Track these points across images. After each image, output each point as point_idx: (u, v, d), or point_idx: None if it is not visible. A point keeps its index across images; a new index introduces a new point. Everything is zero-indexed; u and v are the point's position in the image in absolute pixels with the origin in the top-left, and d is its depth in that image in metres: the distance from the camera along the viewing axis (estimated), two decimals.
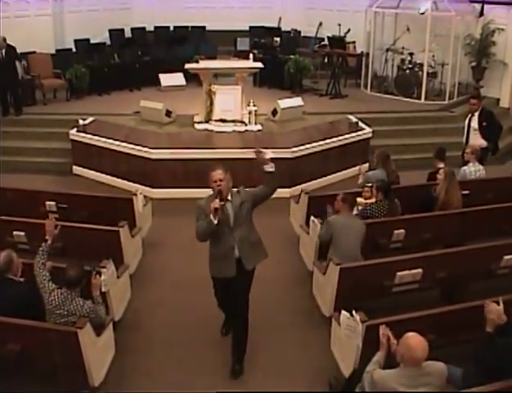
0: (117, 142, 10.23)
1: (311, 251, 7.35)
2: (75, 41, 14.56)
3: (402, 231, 7.18)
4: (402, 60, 13.86)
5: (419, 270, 6.28)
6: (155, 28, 16.93)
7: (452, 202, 7.45)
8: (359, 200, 7.57)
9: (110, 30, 15.89)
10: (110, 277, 6.00)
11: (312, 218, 7.31)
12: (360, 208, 7.43)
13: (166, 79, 14.08)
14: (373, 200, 7.45)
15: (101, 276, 5.75)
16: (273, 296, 7.05)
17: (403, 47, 13.91)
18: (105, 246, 6.77)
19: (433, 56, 13.40)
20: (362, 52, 14.67)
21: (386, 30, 14.59)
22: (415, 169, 10.35)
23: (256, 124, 10.96)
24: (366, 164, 9.88)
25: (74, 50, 14.46)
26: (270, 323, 6.53)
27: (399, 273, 6.24)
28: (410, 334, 4.39)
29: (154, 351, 6.09)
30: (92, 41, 14.82)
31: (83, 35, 14.61)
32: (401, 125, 12.25)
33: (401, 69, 13.84)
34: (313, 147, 10.20)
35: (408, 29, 13.61)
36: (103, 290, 5.81)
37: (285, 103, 11.58)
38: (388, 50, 14.22)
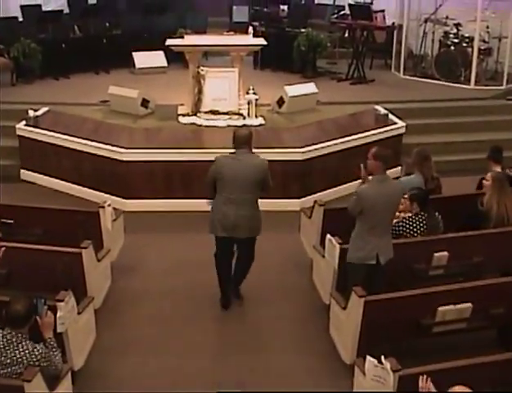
0: (79, 140, 10.29)
1: (327, 279, 7.36)
2: (22, 7, 14.61)
3: (445, 253, 7.20)
4: (446, 34, 13.97)
5: (468, 305, 6.29)
6: None
7: (509, 216, 7.47)
8: None
9: None
10: (68, 314, 6.00)
11: (328, 236, 7.32)
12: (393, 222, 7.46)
13: (142, 59, 14.16)
14: (407, 213, 7.47)
15: (56, 312, 5.77)
16: (280, 335, 7.08)
17: (447, 17, 14.02)
18: (62, 273, 6.76)
19: (487, 27, 13.48)
20: (393, 24, 14.78)
21: None
22: (462, 174, 10.41)
23: (257, 116, 11.03)
24: (398, 168, 9.93)
25: (20, 19, 14.50)
26: (278, 369, 6.56)
27: (441, 309, 6.25)
28: (458, 388, 4.39)
29: None
30: (44, 8, 14.89)
31: (32, 0, 14.63)
32: (445, 118, 12.34)
33: (445, 44, 13.95)
34: (330, 147, 10.25)
35: None
36: (59, 330, 5.81)
37: (293, 90, 11.65)
38: (427, 20, 14.31)
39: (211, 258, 7.50)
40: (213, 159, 9.39)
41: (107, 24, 15.19)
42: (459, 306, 6.28)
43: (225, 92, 11.00)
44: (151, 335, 7.08)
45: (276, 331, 7.13)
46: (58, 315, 5.77)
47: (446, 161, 10.93)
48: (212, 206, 7.25)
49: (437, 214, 7.48)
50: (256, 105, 11.02)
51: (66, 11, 15.50)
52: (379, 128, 10.97)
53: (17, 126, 10.95)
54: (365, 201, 6.51)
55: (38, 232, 7.66)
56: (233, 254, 7.46)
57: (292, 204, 9.70)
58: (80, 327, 6.40)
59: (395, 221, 7.42)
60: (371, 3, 14.60)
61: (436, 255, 7.17)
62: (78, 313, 6.34)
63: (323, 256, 7.53)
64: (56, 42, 13.97)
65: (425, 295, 6.30)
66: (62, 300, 5.94)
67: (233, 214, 7.05)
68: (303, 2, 17.58)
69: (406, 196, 7.66)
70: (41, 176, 10.76)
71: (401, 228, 7.30)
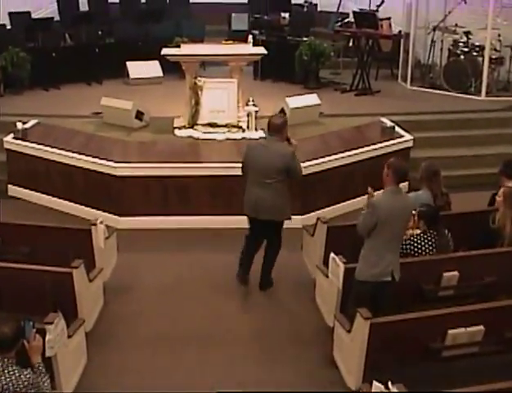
0: (70, 154, 10.30)
1: (331, 300, 7.36)
2: (10, 14, 14.68)
3: (455, 273, 7.19)
4: (455, 42, 14.02)
5: (480, 328, 6.29)
6: None
7: None
8: None
9: (58, 0, 16.03)
10: (57, 337, 5.99)
11: (331, 255, 7.32)
12: None
13: (136, 69, 14.22)
14: (415, 231, 7.47)
15: (44, 335, 5.75)
16: (282, 359, 7.06)
17: (456, 25, 14.06)
18: (52, 294, 6.76)
19: (499, 35, 13.52)
20: (400, 32, 14.84)
21: (433, 1, 14.74)
22: (472, 189, 10.42)
23: (257, 129, 11.05)
24: (405, 184, 9.92)
25: (8, 27, 14.59)
26: None
27: (451, 332, 6.24)
28: None
29: None
30: (33, 15, 14.95)
31: (21, 7, 14.71)
32: (454, 131, 12.36)
33: (454, 54, 13.99)
34: (333, 161, 10.26)
35: None
36: (48, 354, 5.79)
37: (295, 102, 11.69)
38: (435, 28, 14.37)
39: (210, 277, 7.50)
40: (210, 174, 9.52)
41: (100, 33, 15.24)
42: (470, 329, 6.27)
43: (223, 104, 11.02)
44: (146, 359, 7.05)
45: (277, 355, 7.11)
46: (47, 339, 5.76)
47: (456, 176, 10.95)
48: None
49: (446, 231, 7.47)
50: (256, 117, 11.04)
51: (57, 18, 15.58)
52: (385, 141, 10.98)
53: (5, 139, 10.96)
54: (380, 211, 6.51)
55: (26, 250, 7.66)
56: (260, 239, 8.19)
57: (294, 221, 9.64)
58: (70, 350, 6.39)
59: (404, 240, 7.43)
60: (377, 11, 14.63)
61: (445, 274, 7.16)
62: (69, 336, 6.33)
63: (326, 276, 7.53)
64: (46, 51, 14.01)
65: (434, 317, 6.29)
66: (51, 323, 5.94)
67: (255, 195, 7.87)
68: (305, 9, 17.66)
69: (413, 212, 7.68)
70: (29, 192, 10.77)
71: (408, 246, 7.30)
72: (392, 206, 6.52)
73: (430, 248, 7.28)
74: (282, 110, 11.52)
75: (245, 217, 8.10)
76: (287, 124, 8.04)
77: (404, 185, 10.05)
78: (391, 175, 6.59)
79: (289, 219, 8.09)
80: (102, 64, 14.50)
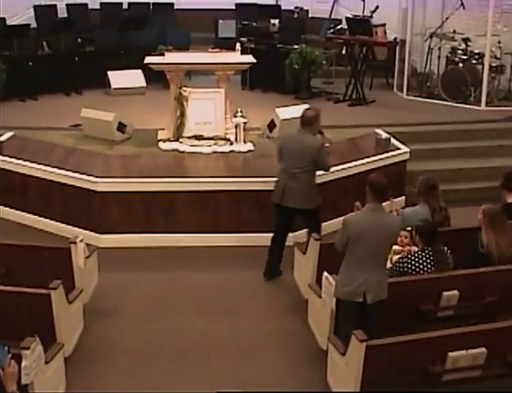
0: (48, 168, 10.28)
1: (324, 322, 7.36)
2: None
3: (455, 292, 7.21)
4: (453, 50, 14.12)
5: (482, 350, 6.28)
6: (102, 4, 17.15)
7: (503, 256, 7.42)
8: (393, 248, 7.61)
9: (35, 6, 16.08)
10: (34, 363, 5.96)
11: (325, 274, 7.33)
12: (394, 259, 7.48)
13: (118, 79, 14.24)
14: (412, 248, 7.49)
15: (20, 361, 5.72)
16: (272, 384, 7.02)
17: (455, 31, 14.16)
18: (28, 317, 6.72)
19: (499, 42, 13.62)
20: (396, 39, 14.93)
21: (430, 7, 14.85)
22: (473, 203, 10.38)
23: (246, 142, 11.08)
24: (402, 198, 9.96)
25: None
26: None
27: (452, 354, 6.23)
28: None
29: None
30: (8, 22, 14.96)
31: None
32: (453, 142, 12.41)
33: (452, 61, 14.08)
34: (326, 175, 10.22)
35: (462, 5, 13.83)
36: (24, 382, 5.75)
37: (286, 113, 11.71)
38: (432, 35, 14.46)
39: (197, 300, 7.47)
40: (196, 189, 9.52)
41: (79, 40, 15.28)
42: (472, 351, 6.26)
43: (210, 116, 11.05)
44: (128, 385, 7.01)
45: (267, 379, 7.08)
46: (23, 365, 5.73)
47: (456, 190, 11.00)
48: None
49: (445, 248, 7.49)
50: (244, 129, 11.07)
51: (34, 25, 15.61)
52: (381, 154, 11.01)
53: None
54: (351, 228, 6.63)
55: (1, 271, 7.63)
56: (284, 231, 8.97)
57: None
58: (48, 377, 6.35)
59: (398, 257, 7.46)
60: (371, 17, 14.71)
61: (445, 294, 7.18)
62: (46, 362, 6.30)
63: (319, 296, 7.53)
64: (22, 60, 14.01)
65: (434, 339, 6.28)
66: (28, 348, 5.91)
67: (283, 183, 8.69)
68: (295, 15, 17.74)
69: (409, 228, 7.71)
70: (4, 208, 10.72)
71: (405, 264, 7.31)
72: (367, 224, 6.59)
73: (429, 266, 7.29)
74: (272, 122, 11.57)
75: (233, 235, 8.62)
76: (319, 118, 8.85)
77: (400, 200, 10.15)
78: (369, 192, 6.69)
79: (317, 207, 8.83)
80: (82, 73, 14.51)
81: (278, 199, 8.79)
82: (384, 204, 6.79)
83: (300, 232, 9.74)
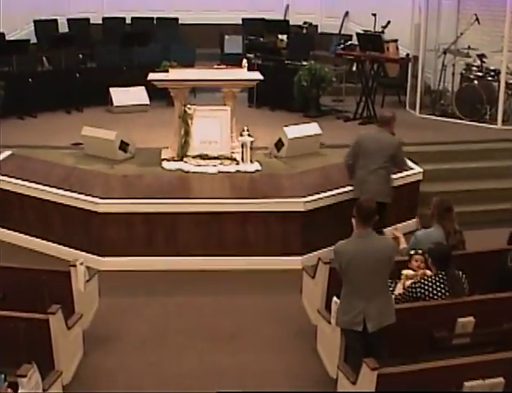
0: (47, 188, 10.30)
1: (333, 349, 7.32)
2: None
3: (471, 319, 7.18)
4: (468, 66, 14.13)
5: (500, 380, 6.24)
6: (104, 19, 17.24)
7: None
8: (405, 272, 7.60)
9: (35, 21, 16.16)
10: (31, 391, 5.95)
11: (334, 299, 7.31)
12: (407, 284, 7.45)
13: (120, 96, 14.29)
14: (425, 272, 7.47)
15: (17, 389, 5.70)
16: None
17: (469, 47, 14.18)
18: (25, 344, 6.73)
19: None
20: (408, 56, 14.97)
21: (444, 22, 14.89)
22: (489, 226, 10.44)
23: (252, 161, 11.08)
24: (415, 220, 9.95)
25: None
26: None
27: (468, 384, 6.19)
28: None
29: None
30: (8, 37, 15.03)
31: None
32: (468, 162, 12.42)
33: (467, 78, 14.08)
34: (336, 196, 10.27)
35: (477, 20, 13.89)
36: None
37: (294, 131, 11.72)
38: (446, 51, 14.48)
39: (201, 326, 7.43)
40: (201, 210, 9.51)
41: (80, 56, 15.34)
42: (489, 381, 6.22)
43: (215, 134, 11.04)
44: None
45: None
46: None
47: (471, 212, 10.99)
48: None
49: (460, 273, 7.46)
50: (251, 148, 11.06)
51: (33, 40, 15.67)
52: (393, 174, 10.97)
53: None
54: (341, 257, 6.65)
55: None
56: None
57: (292, 262, 9.68)
58: None
59: (410, 282, 7.43)
60: (382, 32, 14.78)
61: (460, 320, 7.15)
62: (44, 390, 6.27)
63: (329, 322, 7.51)
64: (22, 76, 14.08)
65: (449, 367, 6.25)
66: (25, 376, 5.89)
67: (363, 179, 9.59)
68: (304, 31, 17.80)
69: (420, 251, 7.69)
70: (1, 230, 10.75)
71: (418, 289, 7.29)
72: (357, 251, 6.61)
73: (443, 291, 7.26)
74: (280, 141, 11.57)
75: (239, 258, 8.84)
76: (395, 120, 9.96)
77: (413, 222, 10.13)
78: (356, 217, 6.74)
79: (389, 201, 9.66)
80: (83, 90, 14.54)
81: (358, 193, 9.49)
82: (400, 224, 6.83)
83: (308, 255, 9.74)
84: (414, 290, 7.30)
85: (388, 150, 9.58)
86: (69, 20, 16.94)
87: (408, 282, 7.49)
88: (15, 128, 13.24)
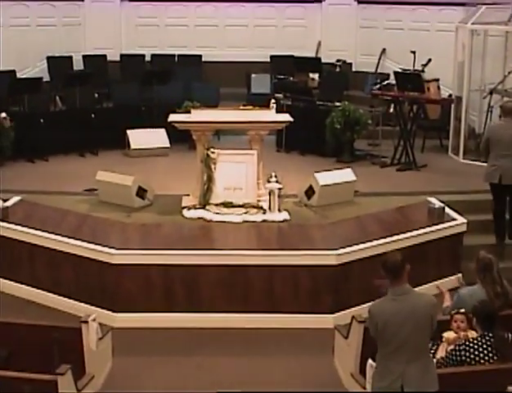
0: (58, 238, 10.35)
1: None
2: None
3: None
4: None
5: None
6: (122, 56, 17.42)
7: None
8: (446, 335, 7.54)
9: (48, 58, 16.36)
10: None
11: (369, 362, 7.27)
12: (450, 348, 7.38)
13: (138, 138, 14.39)
14: (470, 333, 7.40)
15: None
16: None
17: None
18: None
19: None
20: (451, 96, 15.00)
21: (490, 60, 14.91)
22: None
23: (280, 210, 11.08)
24: (459, 276, 9.87)
25: None
26: None
27: None
28: None
29: None
30: (19, 74, 15.23)
31: (5, 65, 15.01)
32: None
33: None
34: (371, 249, 10.20)
35: None
36: None
37: (326, 178, 11.74)
38: (492, 92, 14.48)
39: (224, 388, 7.35)
40: (224, 263, 9.51)
41: (96, 96, 15.48)
42: None
43: (241, 180, 11.10)
44: None
45: None
46: None
47: None
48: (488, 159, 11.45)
49: (509, 335, 7.39)
50: (279, 196, 11.06)
51: (46, 78, 15.86)
52: (434, 225, 10.94)
53: None
54: (376, 318, 6.56)
55: (3, 354, 7.63)
56: (504, 205, 11.56)
57: (324, 320, 9.64)
58: None
59: (455, 344, 7.34)
60: (423, 71, 14.82)
61: (510, 388, 7.05)
62: None
63: (363, 388, 7.45)
64: (33, 117, 14.24)
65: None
66: None
67: (500, 165, 11.13)
68: (337, 69, 17.87)
69: (462, 310, 7.62)
70: (8, 282, 10.77)
71: (462, 352, 7.21)
72: (393, 311, 6.53)
73: (490, 355, 7.18)
74: (311, 188, 11.58)
75: (266, 315, 8.80)
76: None
77: (455, 278, 10.03)
78: (385, 275, 6.64)
79: None
80: (99, 132, 14.65)
81: (496, 179, 11.20)
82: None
83: (341, 313, 9.69)
84: (458, 352, 7.22)
85: None
86: (84, 56, 17.14)
87: (451, 347, 7.42)
88: (25, 172, 13.37)
